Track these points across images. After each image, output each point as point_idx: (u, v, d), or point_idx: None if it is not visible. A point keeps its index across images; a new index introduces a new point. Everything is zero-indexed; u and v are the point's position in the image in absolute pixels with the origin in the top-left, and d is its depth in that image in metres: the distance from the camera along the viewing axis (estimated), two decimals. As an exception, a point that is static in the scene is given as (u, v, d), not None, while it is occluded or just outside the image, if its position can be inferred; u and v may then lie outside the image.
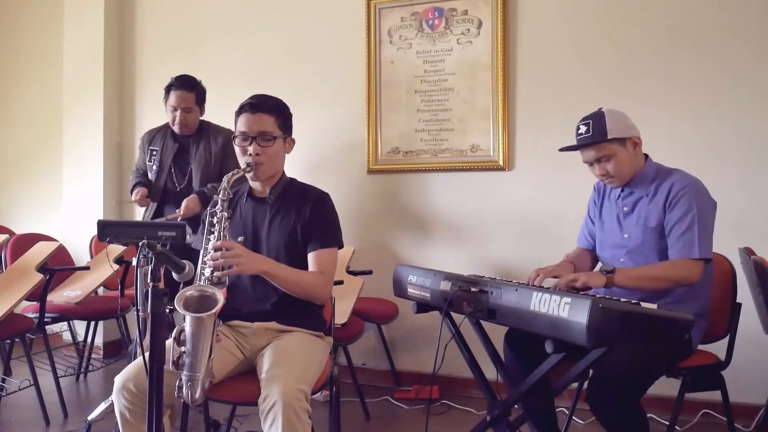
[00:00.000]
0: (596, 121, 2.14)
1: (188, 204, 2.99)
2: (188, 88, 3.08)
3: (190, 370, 1.68)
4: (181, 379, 1.69)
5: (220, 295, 1.72)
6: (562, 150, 2.30)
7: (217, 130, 3.18)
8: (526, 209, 3.41)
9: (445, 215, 3.58)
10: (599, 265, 2.40)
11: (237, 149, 2.07)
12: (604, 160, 2.15)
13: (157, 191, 3.18)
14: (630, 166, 2.17)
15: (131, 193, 3.24)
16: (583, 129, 2.16)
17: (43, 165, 4.60)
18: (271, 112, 2.05)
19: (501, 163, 3.44)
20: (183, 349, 1.68)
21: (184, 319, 1.69)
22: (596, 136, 2.13)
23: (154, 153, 3.21)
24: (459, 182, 3.55)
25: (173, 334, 1.70)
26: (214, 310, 1.68)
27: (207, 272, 1.82)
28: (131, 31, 4.34)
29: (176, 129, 3.14)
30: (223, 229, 1.89)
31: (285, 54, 3.91)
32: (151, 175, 3.22)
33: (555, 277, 2.12)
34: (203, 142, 3.15)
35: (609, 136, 2.11)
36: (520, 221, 3.41)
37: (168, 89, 3.11)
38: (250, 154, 2.01)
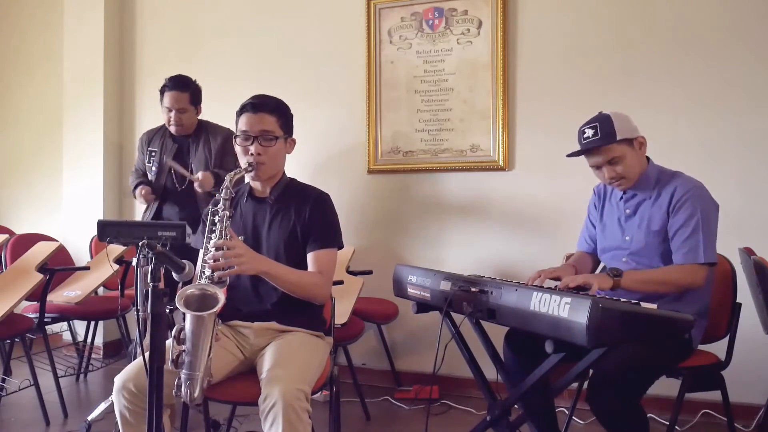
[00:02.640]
0: (603, 123, 2.11)
1: (204, 176, 2.98)
2: (181, 89, 3.08)
3: (190, 369, 1.68)
4: (179, 378, 1.69)
5: (221, 294, 1.72)
6: (569, 156, 2.24)
7: (215, 129, 3.19)
8: (526, 209, 3.41)
9: (445, 215, 3.58)
10: (600, 266, 2.40)
11: (238, 149, 2.07)
12: (614, 162, 2.13)
13: (157, 192, 3.19)
14: (638, 166, 2.16)
15: (133, 193, 3.24)
16: (589, 132, 2.13)
17: (43, 165, 4.60)
18: (272, 112, 2.05)
19: (501, 163, 3.44)
20: (182, 347, 1.67)
21: (184, 317, 1.69)
22: (605, 138, 2.10)
23: (153, 154, 3.21)
24: (459, 182, 3.55)
25: (173, 332, 1.70)
26: (214, 309, 1.68)
27: (208, 271, 1.82)
28: (131, 31, 4.34)
29: (172, 130, 3.15)
30: (225, 228, 1.89)
31: (285, 54, 3.91)
32: (150, 176, 3.23)
33: (556, 278, 2.12)
34: (202, 141, 3.15)
35: (618, 137, 2.09)
36: (520, 221, 3.41)
37: (162, 90, 3.12)
38: (252, 154, 2.02)
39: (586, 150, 2.16)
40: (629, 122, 2.16)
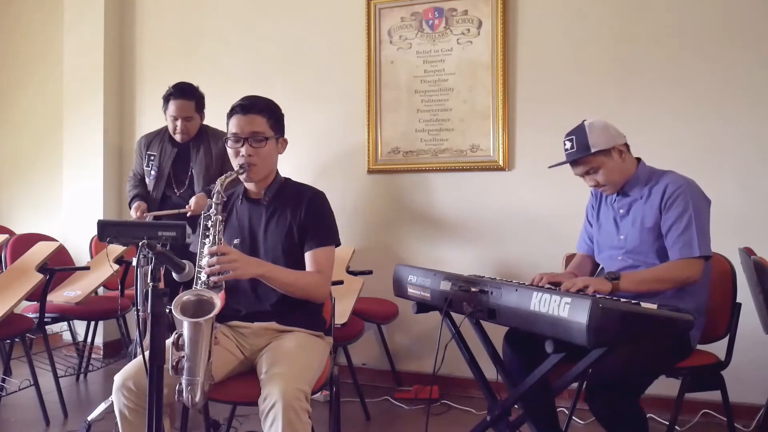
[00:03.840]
0: (578, 136, 2.17)
1: (198, 200, 2.98)
2: (188, 97, 3.06)
3: (190, 374, 1.67)
4: (181, 384, 1.69)
5: (217, 299, 1.72)
6: (551, 167, 2.34)
7: (216, 134, 3.18)
8: (526, 209, 3.41)
9: (445, 215, 3.58)
10: (599, 269, 2.40)
11: (230, 151, 2.05)
12: (593, 172, 2.19)
13: (156, 196, 3.18)
14: (620, 173, 2.19)
15: (130, 207, 3.23)
16: (568, 145, 2.20)
17: (43, 165, 4.60)
18: (262, 113, 2.03)
19: (501, 163, 3.44)
20: (182, 354, 1.67)
21: (182, 324, 1.68)
22: (580, 150, 2.16)
23: (152, 158, 3.19)
24: (459, 182, 3.55)
25: (171, 339, 1.69)
26: (211, 315, 1.68)
27: (203, 277, 1.82)
28: (131, 31, 4.34)
29: (178, 138, 3.13)
30: (218, 232, 1.89)
31: (285, 54, 3.90)
32: (148, 181, 3.22)
33: (557, 282, 2.12)
34: (203, 146, 3.14)
35: (593, 150, 2.14)
36: (520, 221, 3.41)
37: (167, 98, 3.08)
38: (243, 156, 2.01)
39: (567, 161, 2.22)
40: (606, 132, 2.17)
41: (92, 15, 4.24)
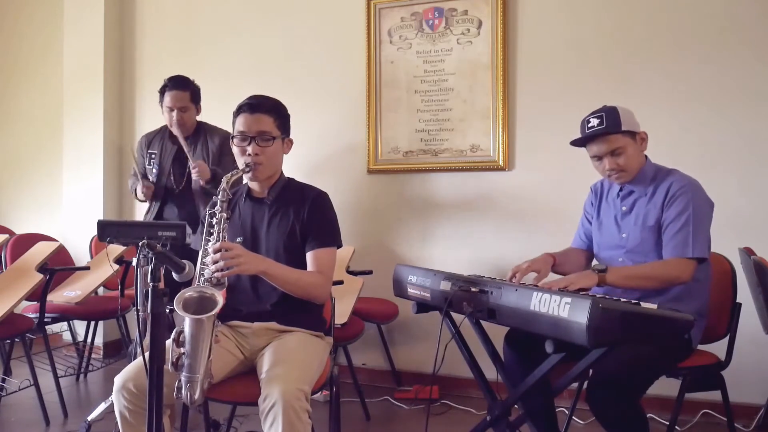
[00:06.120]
0: (609, 113, 2.13)
1: (200, 163, 2.98)
2: (182, 88, 3.09)
3: (189, 371, 1.68)
4: (180, 381, 1.69)
5: (220, 297, 1.72)
6: (572, 143, 2.26)
7: (213, 131, 3.20)
8: (526, 209, 3.41)
9: (445, 215, 3.58)
10: (594, 263, 2.40)
11: (235, 149, 2.06)
12: (616, 153, 2.15)
13: (158, 193, 3.19)
14: (638, 161, 2.18)
15: (134, 193, 3.24)
16: (595, 122, 2.15)
17: (43, 165, 4.60)
18: (269, 113, 2.05)
19: (501, 163, 3.44)
20: (182, 350, 1.67)
21: (184, 320, 1.69)
22: (610, 127, 2.12)
23: (153, 156, 3.23)
24: (459, 182, 3.55)
25: (172, 335, 1.69)
26: (213, 312, 1.68)
27: (206, 273, 1.82)
28: (131, 31, 4.34)
29: (174, 130, 3.14)
30: (222, 230, 1.89)
31: (285, 54, 3.91)
32: (151, 179, 3.23)
33: (536, 270, 2.12)
34: (200, 142, 3.16)
35: (623, 128, 2.12)
36: (520, 221, 3.41)
37: (162, 91, 3.12)
38: (249, 154, 2.01)
39: (590, 138, 2.17)
40: (633, 117, 2.18)
41: (92, 15, 4.24)
